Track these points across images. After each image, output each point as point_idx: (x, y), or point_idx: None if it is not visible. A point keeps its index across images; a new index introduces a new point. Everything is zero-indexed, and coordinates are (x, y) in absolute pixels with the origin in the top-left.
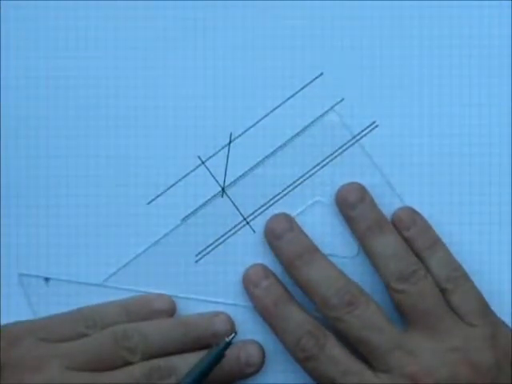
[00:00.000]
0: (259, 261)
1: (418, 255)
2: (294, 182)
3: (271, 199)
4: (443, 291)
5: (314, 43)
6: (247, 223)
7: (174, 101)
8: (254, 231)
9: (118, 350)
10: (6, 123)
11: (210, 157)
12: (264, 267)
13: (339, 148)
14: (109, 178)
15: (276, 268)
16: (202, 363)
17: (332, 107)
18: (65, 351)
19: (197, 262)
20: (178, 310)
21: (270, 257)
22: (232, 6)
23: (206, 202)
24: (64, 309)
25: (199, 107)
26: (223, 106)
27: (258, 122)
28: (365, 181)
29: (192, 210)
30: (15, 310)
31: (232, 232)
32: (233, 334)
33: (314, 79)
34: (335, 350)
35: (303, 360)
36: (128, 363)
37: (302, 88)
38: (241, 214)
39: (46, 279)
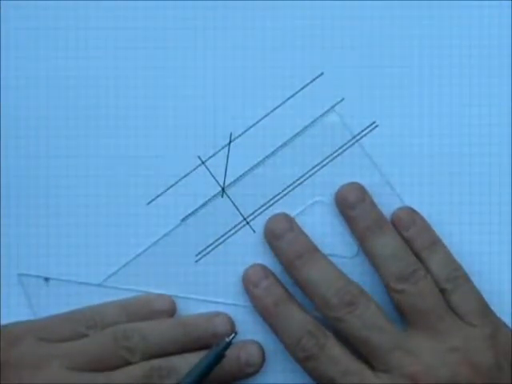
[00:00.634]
0: (259, 261)
1: (417, 255)
2: (294, 182)
3: (271, 199)
4: (443, 291)
5: (314, 43)
6: (247, 223)
7: (174, 101)
8: (254, 231)
9: (117, 350)
10: (5, 123)
11: (210, 157)
12: (264, 267)
13: (339, 148)
14: (109, 177)
15: (276, 268)
16: (202, 363)
17: (332, 107)
18: (65, 351)
19: (197, 261)
20: (178, 310)
21: (269, 257)
22: (232, 6)
23: (206, 202)
24: (64, 309)
25: (199, 107)
26: (223, 105)
27: (258, 122)
28: (365, 181)
29: (192, 209)
30: (15, 310)
31: (232, 232)
32: (233, 335)
33: (314, 79)
34: (335, 349)
35: (303, 360)
36: (128, 363)
37: (302, 88)
38: (241, 213)
39: (46, 279)
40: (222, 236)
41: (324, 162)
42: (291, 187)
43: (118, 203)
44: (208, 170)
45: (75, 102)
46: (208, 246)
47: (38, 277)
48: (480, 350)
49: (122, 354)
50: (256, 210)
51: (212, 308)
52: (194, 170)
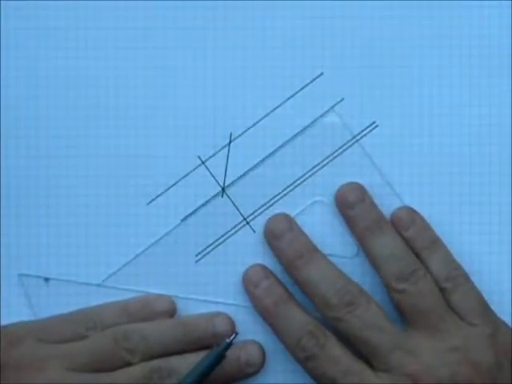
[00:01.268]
0: (259, 261)
1: (417, 255)
2: (294, 182)
3: (271, 199)
4: (443, 290)
5: (314, 43)
6: (247, 223)
7: (174, 101)
8: (254, 231)
9: (118, 350)
10: (5, 123)
11: (210, 157)
12: (264, 267)
13: (339, 148)
14: (109, 177)
15: (276, 268)
16: (203, 364)
17: (332, 107)
18: (65, 352)
19: (197, 262)
20: (178, 310)
21: (270, 257)
22: (232, 6)
23: (206, 201)
24: (64, 309)
25: (199, 107)
26: (223, 105)
27: (258, 122)
28: (364, 181)
29: (192, 209)
30: (15, 310)
31: (232, 232)
32: (233, 335)
33: (314, 79)
34: (335, 349)
35: (303, 360)
36: (128, 364)
37: (302, 88)
38: (241, 213)
39: (46, 279)
40: (222, 236)
41: (324, 162)
42: (291, 187)
43: (118, 203)
44: (208, 169)
45: (75, 101)
46: (208, 246)
47: (38, 277)
48: (480, 350)
49: (122, 355)
50: (256, 210)
51: (212, 308)
52: (194, 169)
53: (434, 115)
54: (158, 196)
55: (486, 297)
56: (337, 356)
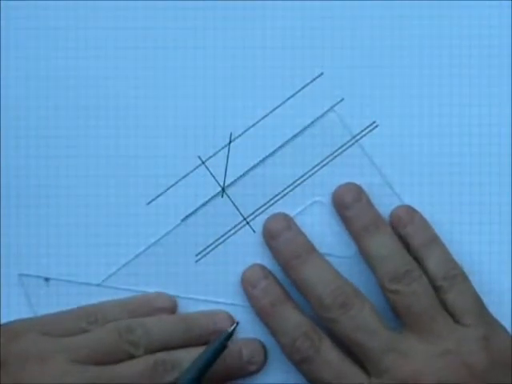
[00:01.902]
0: (259, 261)
1: (415, 253)
2: (294, 182)
3: (271, 199)
4: (439, 288)
5: (314, 43)
6: (247, 223)
7: (174, 101)
8: (254, 231)
9: (121, 343)
10: (5, 123)
11: (210, 157)
12: (262, 267)
13: (339, 148)
14: (109, 178)
15: (276, 268)
16: (205, 354)
17: (332, 107)
18: (68, 345)
19: (197, 262)
20: (178, 309)
21: (270, 257)
22: (232, 6)
23: (206, 202)
24: (64, 309)
25: (199, 107)
26: (223, 105)
27: (258, 122)
28: (364, 181)
29: (192, 209)
30: (15, 310)
31: (232, 232)
32: (234, 325)
33: (314, 79)
34: (330, 352)
35: (298, 362)
36: (131, 357)
37: (302, 88)
38: (241, 213)
39: (46, 279)
40: (222, 236)
41: (324, 162)
42: (291, 187)
43: (118, 203)
44: (208, 169)
45: (75, 101)
46: (208, 246)
47: (38, 277)
48: (473, 352)
49: (125, 348)
50: (256, 210)
51: (212, 308)
52: (194, 169)
53: (433, 115)
54: (158, 196)
55: (485, 297)
56: (331, 359)
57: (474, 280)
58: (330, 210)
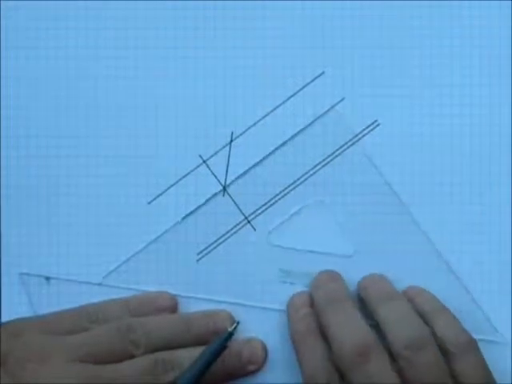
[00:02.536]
0: (259, 260)
1: (425, 320)
2: (295, 181)
3: (272, 198)
4: (449, 356)
5: (314, 42)
6: (248, 222)
7: (175, 100)
8: (255, 230)
9: (122, 342)
10: (6, 123)
11: (212, 156)
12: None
13: (340, 147)
14: (109, 177)
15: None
16: (205, 354)
17: (333, 106)
18: (69, 343)
19: (198, 260)
20: (179, 308)
21: (270, 255)
22: (232, 6)
23: (207, 200)
24: (65, 308)
25: (200, 106)
26: (224, 104)
27: (259, 121)
28: (364, 181)
29: (193, 208)
30: (16, 309)
31: (233, 231)
32: (234, 325)
33: (315, 78)
34: None
35: None
36: (131, 356)
37: (303, 87)
38: (242, 212)
39: (47, 278)
40: (224, 235)
41: (325, 162)
42: (292, 186)
43: (119, 202)
44: (209, 168)
45: (75, 101)
46: (209, 245)
47: (39, 276)
48: None
49: (126, 347)
50: (257, 209)
51: (213, 307)
52: (196, 168)
53: (434, 115)
54: (159, 195)
55: (485, 297)
56: None
57: (474, 282)
58: (330, 209)
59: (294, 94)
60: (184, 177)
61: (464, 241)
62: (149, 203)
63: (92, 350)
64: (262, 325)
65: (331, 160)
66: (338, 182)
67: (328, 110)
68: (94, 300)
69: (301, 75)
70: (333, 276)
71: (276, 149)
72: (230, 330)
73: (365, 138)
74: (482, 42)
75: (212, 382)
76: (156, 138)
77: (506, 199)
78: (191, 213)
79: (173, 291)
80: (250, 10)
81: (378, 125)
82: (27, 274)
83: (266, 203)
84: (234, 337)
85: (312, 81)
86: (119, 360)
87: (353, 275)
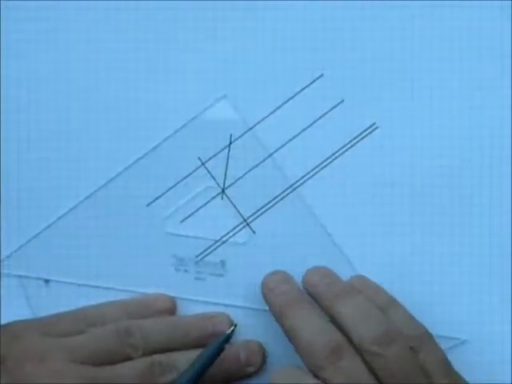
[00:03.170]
0: (259, 261)
1: None
2: (294, 184)
3: (271, 200)
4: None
5: (314, 44)
6: (247, 224)
7: (174, 102)
8: (253, 232)
9: (120, 345)
10: (6, 123)
11: (210, 158)
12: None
13: (340, 149)
14: (109, 179)
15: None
16: (202, 356)
17: (332, 108)
18: (68, 344)
19: (197, 263)
20: (178, 311)
21: (270, 258)
22: (232, 6)
23: (206, 203)
24: (64, 310)
25: (199, 108)
26: (223, 107)
27: (258, 124)
28: (364, 181)
29: (192, 211)
30: (15, 312)
31: (232, 233)
32: (232, 327)
33: (314, 80)
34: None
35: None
36: (129, 358)
37: (302, 89)
38: (241, 215)
39: (46, 281)
40: (222, 237)
41: (324, 164)
42: (291, 189)
43: (118, 205)
44: (208, 171)
45: (76, 103)
46: (208, 248)
47: (38, 278)
48: None
49: (124, 350)
50: (256, 212)
51: (212, 309)
52: (194, 171)
53: (434, 117)
54: (157, 197)
55: (486, 299)
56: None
57: (474, 283)
58: (330, 210)
59: (294, 95)
60: (183, 179)
61: (464, 241)
62: (148, 205)
63: (90, 352)
64: (260, 326)
65: (330, 162)
66: (337, 183)
67: (327, 112)
68: (93, 302)
69: (300, 77)
70: (284, 277)
71: (275, 151)
72: (227, 332)
73: (364, 139)
74: (482, 43)
75: None
76: (155, 140)
77: (506, 201)
78: (190, 215)
79: (172, 294)
80: (251, 10)
81: (376, 127)
82: (26, 277)
83: (265, 205)
84: (232, 339)
85: (311, 83)
86: (117, 362)
87: (350, 274)
